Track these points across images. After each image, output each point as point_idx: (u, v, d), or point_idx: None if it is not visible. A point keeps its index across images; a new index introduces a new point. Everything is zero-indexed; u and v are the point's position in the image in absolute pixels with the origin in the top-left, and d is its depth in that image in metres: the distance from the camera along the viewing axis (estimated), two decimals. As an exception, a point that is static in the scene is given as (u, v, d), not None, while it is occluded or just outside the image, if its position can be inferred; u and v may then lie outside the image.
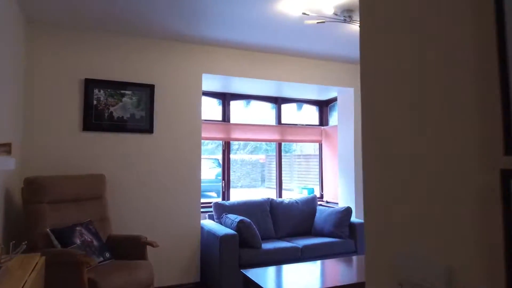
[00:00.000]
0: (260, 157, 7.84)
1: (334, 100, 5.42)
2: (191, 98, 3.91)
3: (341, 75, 4.59)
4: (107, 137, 3.59)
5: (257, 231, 3.77)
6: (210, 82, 4.40)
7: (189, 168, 3.88)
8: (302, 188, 6.61)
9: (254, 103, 5.25)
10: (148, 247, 3.16)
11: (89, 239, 2.93)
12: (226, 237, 3.50)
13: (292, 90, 4.91)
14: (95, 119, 3.58)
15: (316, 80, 4.43)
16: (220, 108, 4.91)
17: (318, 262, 3.20)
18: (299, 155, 6.91)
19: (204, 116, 4.78)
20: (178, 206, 3.81)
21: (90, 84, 3.57)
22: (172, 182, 3.80)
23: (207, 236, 3.79)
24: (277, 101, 5.23)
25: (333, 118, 5.53)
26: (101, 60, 3.59)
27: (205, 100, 4.87)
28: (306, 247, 3.90)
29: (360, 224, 4.21)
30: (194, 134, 3.91)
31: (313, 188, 6.50)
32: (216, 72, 3.98)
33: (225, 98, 4.90)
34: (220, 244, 3.48)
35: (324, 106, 5.58)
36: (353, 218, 4.33)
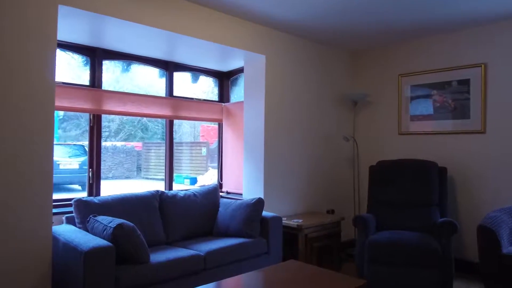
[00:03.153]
0: (136, 144, 6.65)
1: (236, 72, 4.54)
2: (37, 47, 2.51)
3: (251, 38, 3.72)
4: None
5: (143, 238, 2.65)
6: (72, 29, 3.02)
7: (32, 152, 2.49)
8: (184, 177, 5.68)
9: (136, 67, 4.00)
10: None
11: None
12: (95, 251, 2.29)
13: (187, 53, 3.83)
14: None
15: (220, 38, 3.46)
16: (87, 69, 3.54)
17: (237, 279, 2.27)
18: (180, 143, 5.96)
19: (62, 78, 3.38)
20: (12, 207, 2.40)
21: None
22: (3, 172, 2.38)
23: (64, 251, 2.50)
24: (168, 67, 4.09)
25: (235, 94, 4.65)
26: None
27: (64, 56, 3.44)
28: (210, 254, 2.93)
29: (274, 218, 3.43)
30: (42, 103, 2.53)
31: (195, 177, 5.64)
32: (79, 4, 2.66)
33: (95, 56, 3.55)
34: (85, 262, 2.26)
35: (225, 79, 4.66)
36: (264, 212, 3.53)
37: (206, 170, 5.84)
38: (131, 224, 2.60)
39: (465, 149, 3.84)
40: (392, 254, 3.14)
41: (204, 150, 5.97)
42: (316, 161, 4.38)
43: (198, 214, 3.48)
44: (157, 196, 3.35)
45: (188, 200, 3.49)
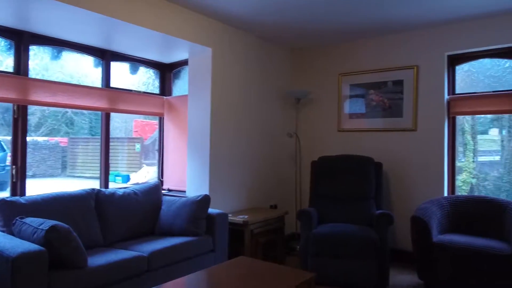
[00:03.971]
0: (61, 139, 6.15)
1: (180, 64, 4.38)
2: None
3: (197, 29, 3.60)
4: None
5: (80, 241, 2.42)
6: (-8, 4, 2.66)
7: None
8: (115, 175, 5.39)
9: (68, 54, 3.66)
10: None
11: None
12: (24, 257, 2.04)
13: (126, 42, 3.60)
14: None
15: (163, 27, 3.29)
16: (11, 54, 3.15)
17: (189, 279, 2.18)
18: (111, 138, 5.64)
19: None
20: None
21: None
22: None
23: (-15, 259, 2.19)
24: (105, 56, 3.81)
25: (178, 88, 4.48)
26: None
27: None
28: (154, 255, 2.78)
29: (220, 215, 3.37)
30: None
31: (128, 175, 5.38)
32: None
33: (20, 40, 3.17)
34: (13, 270, 2.00)
35: (167, 71, 4.46)
36: (210, 209, 3.45)
37: (140, 168, 5.58)
38: (66, 225, 2.36)
39: (399, 146, 4.11)
40: (335, 246, 3.25)
41: (138, 146, 5.68)
42: (261, 157, 4.39)
43: (139, 213, 3.29)
44: (93, 195, 3.10)
45: (128, 199, 3.29)
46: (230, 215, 3.70)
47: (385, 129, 4.18)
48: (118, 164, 5.63)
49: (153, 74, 4.43)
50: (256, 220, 3.61)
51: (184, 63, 4.26)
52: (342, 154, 4.28)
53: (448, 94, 3.90)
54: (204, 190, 3.75)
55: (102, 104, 3.66)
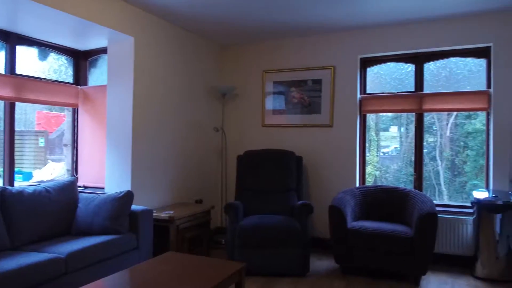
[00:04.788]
0: None
1: (96, 52, 4.09)
2: None
3: (118, 15, 3.40)
4: None
5: (-16, 245, 2.14)
6: None
7: None
8: (15, 172, 4.87)
9: (-38, 33, 3.18)
10: None
11: None
12: None
13: (35, 24, 3.24)
14: None
15: (79, 10, 3.04)
16: None
17: (114, 278, 2.06)
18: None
19: None
20: None
21: None
22: None
23: None
24: (9, 39, 3.39)
25: (95, 77, 4.18)
26: None
27: None
28: (72, 256, 2.58)
29: (144, 211, 3.24)
30: None
31: (31, 172, 4.91)
32: None
33: None
34: None
35: (82, 59, 4.13)
36: (134, 206, 3.30)
37: (45, 164, 5.08)
38: (-34, 228, 2.07)
39: (317, 141, 4.39)
40: (260, 237, 3.36)
41: (42, 140, 5.16)
42: (186, 151, 4.32)
43: (52, 212, 3.01)
44: (-3, 194, 2.75)
45: (39, 197, 2.98)
46: (154, 211, 3.59)
47: (305, 125, 4.42)
48: (19, 160, 5.05)
49: (65, 61, 4.06)
50: (182, 215, 3.55)
51: (102, 51, 3.99)
52: (266, 148, 4.42)
53: (360, 94, 4.28)
54: (125, 186, 3.57)
55: (6, 92, 3.25)
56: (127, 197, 3.15)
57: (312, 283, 3.26)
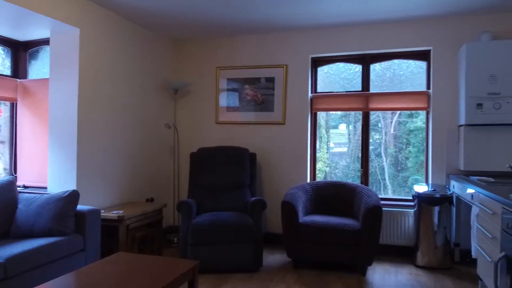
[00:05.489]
0: None
1: (38, 43, 3.83)
2: None
3: (61, 4, 3.20)
4: None
5: None
6: None
7: None
8: None
9: None
10: None
11: None
12: None
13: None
14: None
15: (22, -1, 2.84)
16: None
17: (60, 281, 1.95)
18: None
19: None
20: None
21: None
22: None
23: None
24: None
25: (36, 70, 3.92)
26: None
27: None
28: (12, 260, 2.41)
29: (91, 211, 3.10)
30: None
31: None
32: None
33: None
34: None
35: (21, 51, 3.85)
36: (80, 206, 3.15)
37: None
38: None
39: (270, 138, 4.45)
40: (214, 234, 3.35)
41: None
42: (137, 148, 4.19)
43: (-13, 214, 2.78)
44: None
45: (-28, 198, 2.75)
46: (103, 211, 3.45)
47: (259, 122, 4.47)
48: None
49: (2, 52, 3.77)
50: (133, 214, 3.45)
51: (44, 42, 3.75)
52: (219, 145, 4.41)
53: (311, 92, 4.40)
54: (70, 186, 3.40)
55: None
56: (72, 196, 3.00)
57: (265, 278, 3.31)
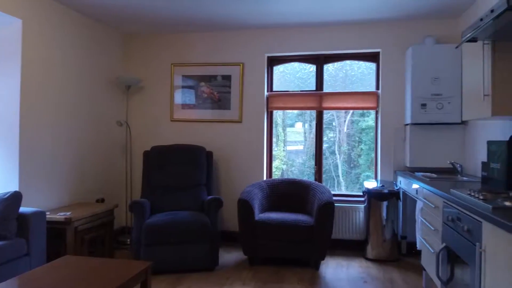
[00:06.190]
0: None
1: (-26, 33, 3.54)
2: None
3: (1, -8, 2.99)
4: None
5: None
6: None
7: None
8: None
9: None
10: None
11: None
12: None
13: None
14: None
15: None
16: None
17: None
18: None
19: None
20: None
21: None
22: None
23: None
24: None
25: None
26: None
27: None
28: None
29: (35, 213, 2.93)
30: None
31: None
32: None
33: None
34: None
35: (-46, 40, 3.53)
36: (23, 208, 2.96)
37: None
38: None
39: (227, 136, 4.44)
40: (168, 234, 3.29)
41: None
42: (86, 147, 4.00)
43: None
44: None
45: None
46: (48, 213, 3.27)
47: (215, 120, 4.44)
48: None
49: None
50: (81, 216, 3.29)
51: (-18, 32, 3.48)
52: (175, 143, 4.33)
53: (267, 91, 4.44)
54: (12, 187, 3.18)
55: None
56: (14, 198, 2.81)
57: (221, 276, 3.30)
